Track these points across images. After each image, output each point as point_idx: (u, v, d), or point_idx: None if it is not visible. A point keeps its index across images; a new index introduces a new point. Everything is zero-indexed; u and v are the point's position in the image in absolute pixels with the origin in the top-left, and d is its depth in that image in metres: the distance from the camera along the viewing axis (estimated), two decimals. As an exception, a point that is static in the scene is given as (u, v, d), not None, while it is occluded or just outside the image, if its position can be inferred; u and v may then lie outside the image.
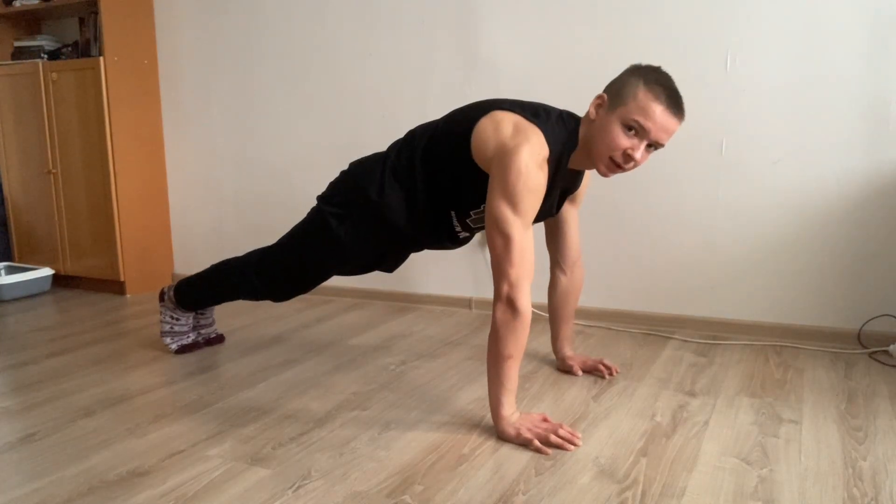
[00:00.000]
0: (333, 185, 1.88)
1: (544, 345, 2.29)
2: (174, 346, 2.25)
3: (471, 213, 1.74)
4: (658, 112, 1.52)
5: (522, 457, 1.50)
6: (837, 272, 2.26)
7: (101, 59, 3.00)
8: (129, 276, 3.20)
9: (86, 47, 3.22)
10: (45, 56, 3.25)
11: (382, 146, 2.84)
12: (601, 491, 1.35)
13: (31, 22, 3.46)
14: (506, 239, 1.54)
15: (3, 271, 3.34)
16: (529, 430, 1.55)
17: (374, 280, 2.98)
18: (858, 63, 2.14)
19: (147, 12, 3.20)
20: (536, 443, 1.52)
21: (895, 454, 1.49)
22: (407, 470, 1.44)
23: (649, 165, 2.42)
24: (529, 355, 2.20)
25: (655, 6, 2.35)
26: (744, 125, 2.29)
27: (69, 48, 3.28)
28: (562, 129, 1.62)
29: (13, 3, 3.23)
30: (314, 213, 1.88)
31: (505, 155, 1.55)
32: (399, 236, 1.83)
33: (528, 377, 2.00)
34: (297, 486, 1.38)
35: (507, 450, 1.53)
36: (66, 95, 3.12)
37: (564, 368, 2.04)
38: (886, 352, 2.16)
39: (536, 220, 1.72)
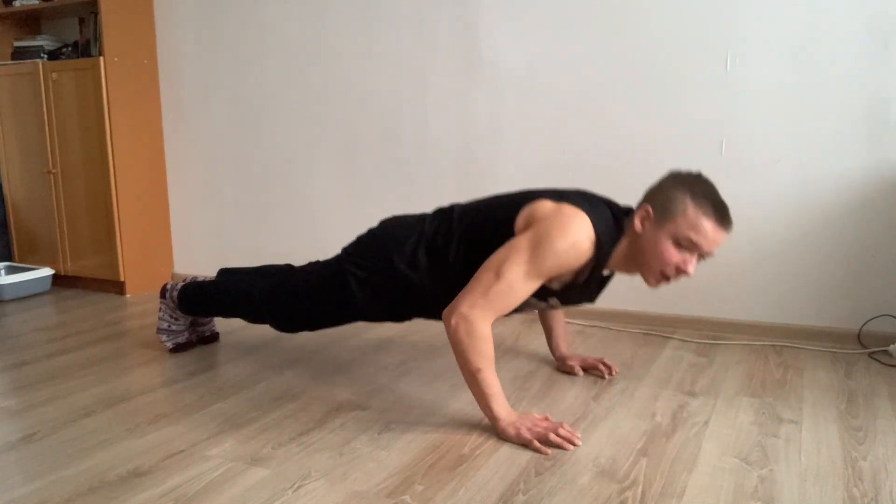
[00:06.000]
0: (360, 245, 1.84)
1: (544, 345, 2.28)
2: (170, 345, 2.26)
3: None
4: (709, 228, 1.50)
5: (522, 457, 1.50)
6: (837, 272, 2.26)
7: (101, 59, 3.00)
8: (129, 276, 3.20)
9: (86, 47, 3.22)
10: (45, 56, 3.25)
11: (382, 146, 2.85)
12: (601, 491, 1.35)
13: (31, 22, 3.46)
14: (498, 276, 1.52)
15: (3, 271, 3.34)
16: (529, 429, 1.55)
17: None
18: (858, 63, 2.14)
19: (147, 12, 3.20)
20: (536, 443, 1.52)
21: (895, 454, 1.49)
22: (407, 470, 1.44)
23: (649, 166, 2.42)
24: (529, 355, 2.20)
25: (656, 6, 2.35)
26: (744, 125, 2.29)
27: (69, 48, 3.28)
28: (610, 223, 1.59)
29: (13, 3, 3.23)
30: (335, 269, 1.84)
31: (556, 215, 1.52)
32: (422, 306, 1.81)
33: (529, 377, 2.00)
34: (297, 486, 1.38)
35: (507, 450, 1.53)
36: (66, 95, 3.12)
37: (564, 369, 2.04)
38: (886, 352, 2.16)
39: (567, 304, 1.68)
